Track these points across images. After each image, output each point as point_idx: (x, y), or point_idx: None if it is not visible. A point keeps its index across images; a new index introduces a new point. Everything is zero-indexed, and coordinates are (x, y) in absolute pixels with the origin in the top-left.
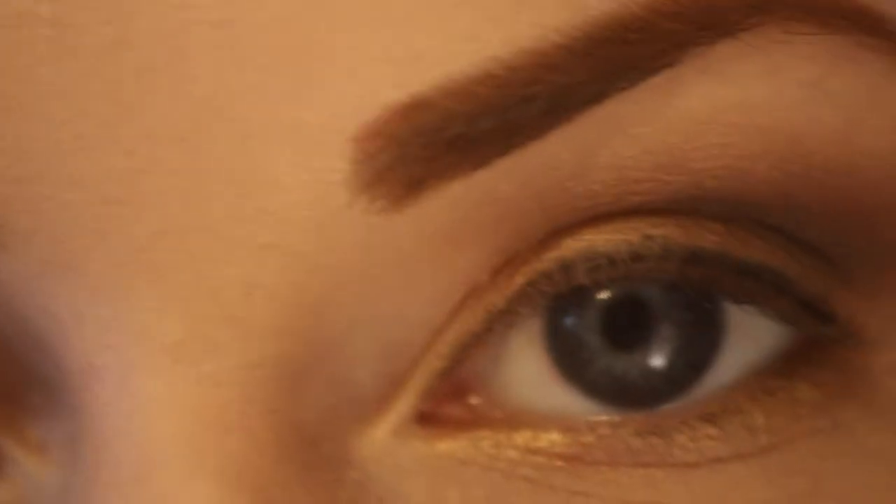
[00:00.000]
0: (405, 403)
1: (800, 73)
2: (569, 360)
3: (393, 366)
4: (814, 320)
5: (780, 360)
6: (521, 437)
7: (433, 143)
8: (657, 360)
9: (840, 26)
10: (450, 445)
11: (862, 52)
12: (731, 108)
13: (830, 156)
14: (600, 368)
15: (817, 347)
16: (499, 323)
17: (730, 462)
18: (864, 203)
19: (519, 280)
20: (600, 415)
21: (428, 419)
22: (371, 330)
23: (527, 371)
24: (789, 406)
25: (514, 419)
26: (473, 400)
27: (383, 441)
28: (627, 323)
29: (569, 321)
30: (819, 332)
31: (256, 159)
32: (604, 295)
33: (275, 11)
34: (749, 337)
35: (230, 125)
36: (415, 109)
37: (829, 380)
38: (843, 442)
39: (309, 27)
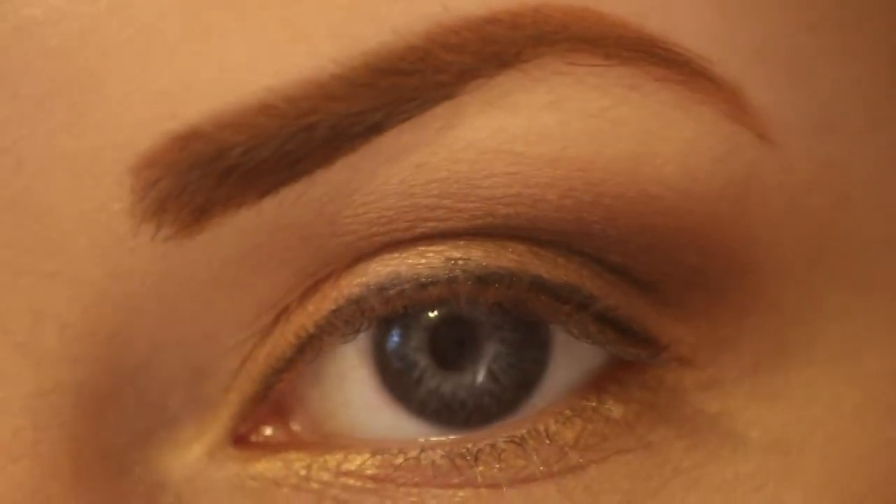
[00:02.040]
0: (219, 426)
1: (586, 103)
2: (397, 381)
3: (205, 389)
4: (621, 339)
5: (591, 380)
6: (334, 460)
7: (210, 173)
8: (485, 381)
9: (626, 58)
10: (264, 467)
11: (649, 82)
12: (517, 138)
13: (620, 184)
14: (429, 389)
15: (628, 367)
16: (309, 347)
17: (536, 482)
18: (659, 229)
19: (328, 305)
20: (429, 436)
21: (243, 441)
22: (178, 354)
23: (354, 394)
24: (599, 426)
25: (330, 441)
26: (295, 423)
27: (197, 463)
28: (456, 344)
29: (397, 343)
30: (628, 351)
31: (33, 188)
32: (432, 316)
33: (46, 42)
34: (574, 357)
35: (3, 154)
36: (189, 140)
37: (640, 399)
38: (654, 461)
39: (82, 58)
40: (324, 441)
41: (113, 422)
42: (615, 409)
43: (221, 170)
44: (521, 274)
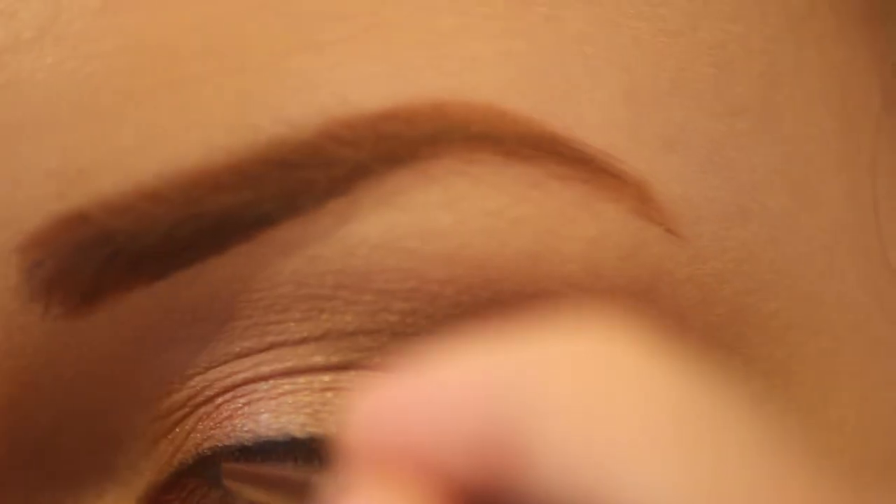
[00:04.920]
0: (125, 499)
1: (484, 202)
2: None
3: (116, 461)
4: None
5: None
6: None
7: (95, 256)
8: None
9: (527, 156)
10: None
11: (551, 181)
12: (410, 235)
13: (519, 283)
14: None
15: None
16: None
17: None
18: None
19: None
20: None
21: None
22: (85, 423)
23: None
24: None
25: None
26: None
27: None
28: None
29: None
30: None
31: None
32: None
33: None
34: None
35: None
36: (75, 222)
37: None
38: None
39: None
40: None
41: (17, 494)
42: None
43: (107, 254)
44: None
